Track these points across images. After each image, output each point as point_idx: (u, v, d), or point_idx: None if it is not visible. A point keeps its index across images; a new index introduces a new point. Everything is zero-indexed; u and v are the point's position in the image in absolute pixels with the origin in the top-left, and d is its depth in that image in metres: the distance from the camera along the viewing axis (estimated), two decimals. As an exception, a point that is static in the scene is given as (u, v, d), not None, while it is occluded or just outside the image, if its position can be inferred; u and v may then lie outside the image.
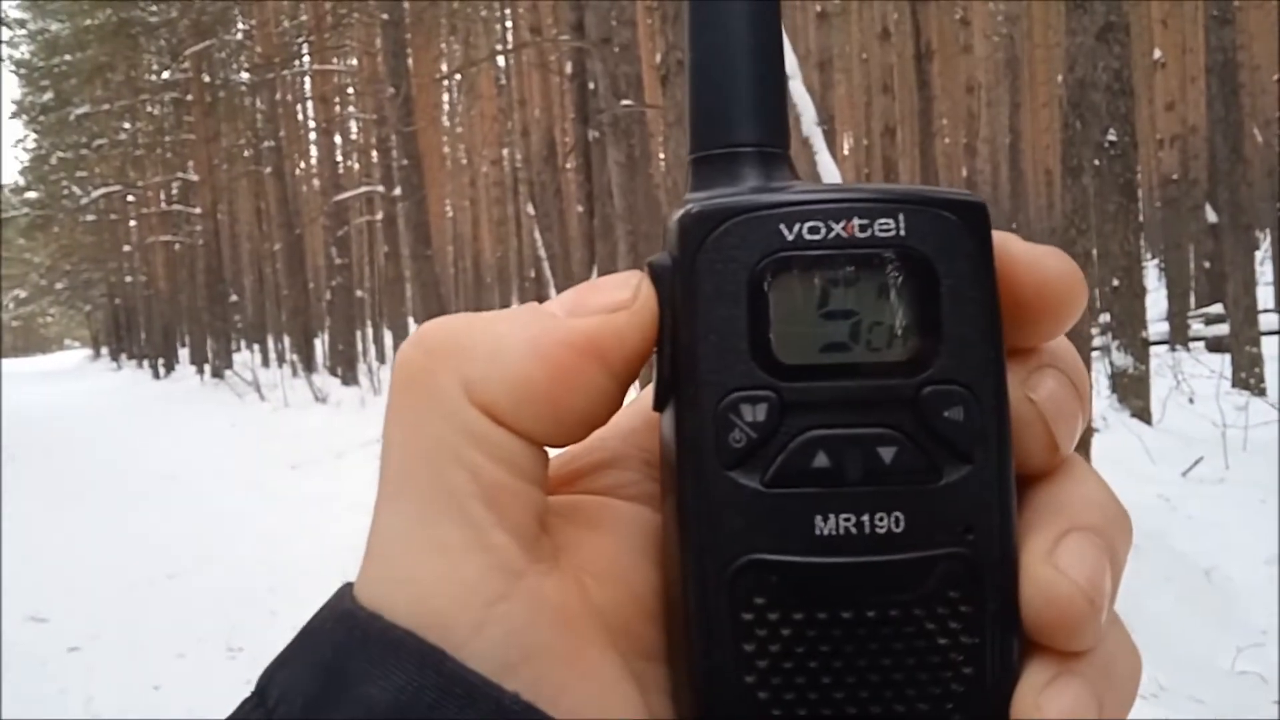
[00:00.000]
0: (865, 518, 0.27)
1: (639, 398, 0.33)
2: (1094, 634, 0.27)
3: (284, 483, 9.08)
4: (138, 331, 35.16)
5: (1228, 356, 9.50)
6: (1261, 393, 8.67)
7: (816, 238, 0.28)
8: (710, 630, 0.28)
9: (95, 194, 29.24)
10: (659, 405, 0.31)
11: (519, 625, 0.27)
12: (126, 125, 30.07)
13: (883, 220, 0.28)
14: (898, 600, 0.27)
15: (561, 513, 0.31)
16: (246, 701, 0.28)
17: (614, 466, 0.33)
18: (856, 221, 0.28)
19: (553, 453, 0.31)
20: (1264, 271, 14.48)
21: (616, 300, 0.29)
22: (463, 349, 0.29)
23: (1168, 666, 3.41)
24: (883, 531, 0.27)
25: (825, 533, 0.27)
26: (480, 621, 0.27)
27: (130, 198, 30.49)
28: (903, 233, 0.28)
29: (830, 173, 6.23)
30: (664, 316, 0.29)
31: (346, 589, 0.29)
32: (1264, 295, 11.16)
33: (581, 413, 0.29)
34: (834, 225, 0.28)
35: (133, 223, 31.40)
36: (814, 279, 0.28)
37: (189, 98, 24.52)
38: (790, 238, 0.28)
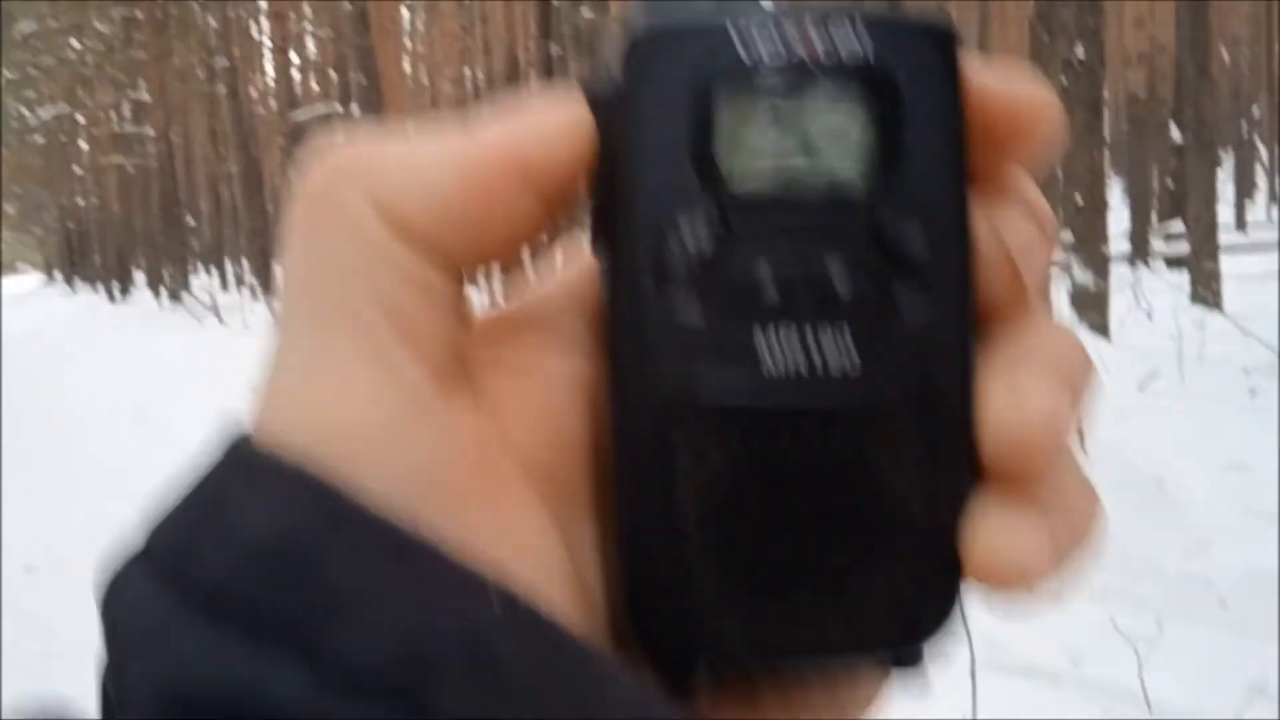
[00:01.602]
0: (815, 353, 0.25)
1: (580, 252, 0.29)
2: (1050, 465, 0.26)
3: (247, 406, 9.00)
4: (92, 255, 34.49)
5: (1187, 273, 9.59)
6: (1219, 308, 8.78)
7: (771, 55, 0.26)
8: (640, 474, 0.25)
9: (44, 115, 28.40)
10: (594, 235, 0.27)
11: (424, 459, 0.24)
12: (74, 43, 29.14)
13: (844, 39, 0.26)
14: (847, 439, 0.25)
15: (487, 362, 0.27)
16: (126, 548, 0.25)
17: (552, 323, 0.28)
18: (817, 40, 0.25)
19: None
20: (1225, 190, 14.56)
21: (545, 116, 0.26)
22: (373, 164, 0.26)
23: (1116, 569, 3.48)
24: (834, 367, 0.25)
25: (771, 370, 0.25)
26: (380, 451, 0.24)
27: (80, 119, 29.64)
28: (865, 52, 0.26)
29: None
30: (601, 138, 0.26)
31: (238, 423, 0.26)
32: (1225, 214, 11.22)
33: (503, 233, 0.26)
34: (792, 44, 0.25)
35: (83, 144, 30.58)
36: (766, 99, 0.26)
37: (138, 14, 23.74)
38: (743, 55, 0.26)
